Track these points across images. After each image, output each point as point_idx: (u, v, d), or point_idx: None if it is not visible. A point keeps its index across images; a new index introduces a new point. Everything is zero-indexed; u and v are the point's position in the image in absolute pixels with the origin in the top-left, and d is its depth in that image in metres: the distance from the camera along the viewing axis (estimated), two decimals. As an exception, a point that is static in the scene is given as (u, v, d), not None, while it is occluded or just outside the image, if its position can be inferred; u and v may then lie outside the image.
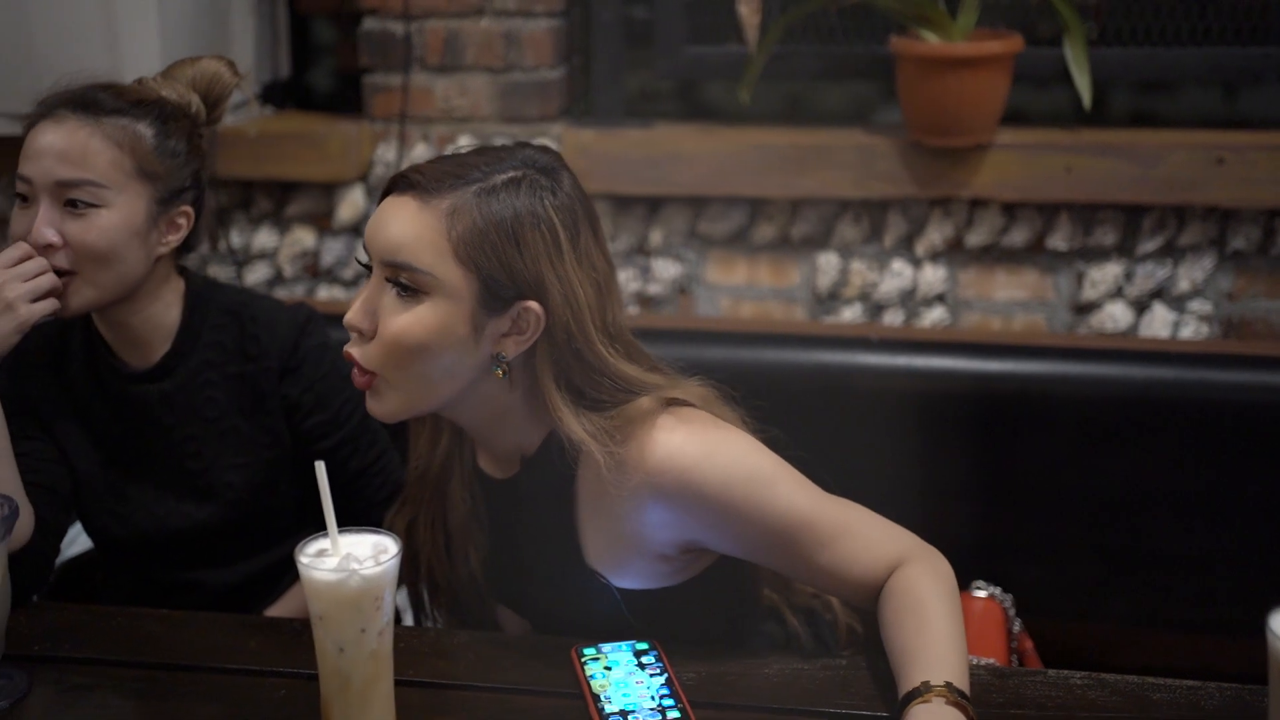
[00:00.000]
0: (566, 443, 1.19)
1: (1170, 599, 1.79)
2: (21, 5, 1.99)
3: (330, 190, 2.25)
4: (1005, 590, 1.64)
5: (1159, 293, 2.07)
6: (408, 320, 1.16)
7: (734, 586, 1.33)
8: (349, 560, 1.02)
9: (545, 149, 1.23)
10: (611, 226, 2.19)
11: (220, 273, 2.31)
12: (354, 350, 1.19)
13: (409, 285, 1.16)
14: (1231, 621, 1.65)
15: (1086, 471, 1.79)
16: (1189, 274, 2.05)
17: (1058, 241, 2.07)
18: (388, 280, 1.17)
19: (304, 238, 2.28)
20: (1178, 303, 2.08)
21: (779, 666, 1.21)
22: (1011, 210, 2.08)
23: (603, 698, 1.14)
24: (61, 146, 1.40)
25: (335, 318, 1.91)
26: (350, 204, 2.25)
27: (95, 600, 1.66)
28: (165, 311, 1.51)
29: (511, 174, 1.18)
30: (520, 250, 1.16)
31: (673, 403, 1.22)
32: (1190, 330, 2.07)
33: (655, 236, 2.18)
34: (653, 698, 1.14)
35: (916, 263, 2.12)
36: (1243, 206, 2.00)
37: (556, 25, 2.15)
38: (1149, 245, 2.05)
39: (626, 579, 1.25)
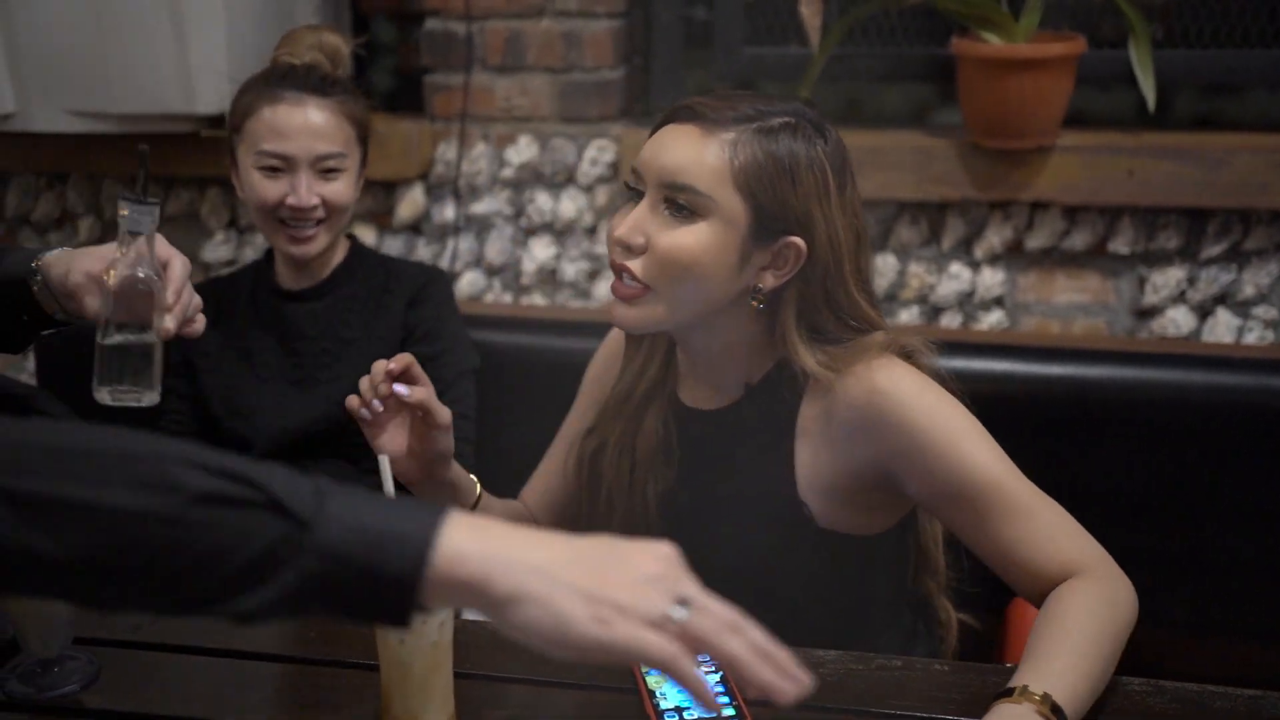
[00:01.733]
0: (797, 373, 1.26)
1: (1231, 606, 1.77)
2: (93, 7, 2.03)
3: (391, 189, 2.28)
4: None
5: (1223, 298, 2.05)
6: (685, 237, 1.22)
7: (907, 558, 1.37)
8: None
9: (811, 103, 1.30)
10: (669, 226, 2.20)
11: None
12: (627, 261, 1.24)
13: (686, 206, 1.22)
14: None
15: (1146, 476, 1.77)
16: (1254, 279, 2.03)
17: (1120, 245, 2.05)
18: (665, 201, 1.23)
19: (364, 235, 2.30)
20: (1242, 308, 2.05)
21: (834, 666, 1.22)
22: (1073, 213, 2.06)
23: (658, 694, 1.15)
24: (316, 125, 1.70)
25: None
26: (410, 202, 2.27)
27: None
28: (335, 251, 1.84)
29: (787, 119, 1.24)
30: (795, 186, 1.22)
31: (901, 350, 1.28)
32: (1255, 336, 2.04)
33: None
34: (708, 695, 1.14)
35: (975, 265, 2.11)
36: (1310, 210, 1.97)
37: (617, 26, 2.16)
38: (1213, 250, 2.03)
39: (825, 517, 1.30)
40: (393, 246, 2.30)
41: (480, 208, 2.25)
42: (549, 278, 2.26)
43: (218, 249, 2.36)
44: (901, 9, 2.08)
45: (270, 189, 1.72)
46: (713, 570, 1.29)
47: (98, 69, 2.05)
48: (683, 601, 0.78)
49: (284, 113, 1.71)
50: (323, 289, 1.83)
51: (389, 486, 1.07)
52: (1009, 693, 1.07)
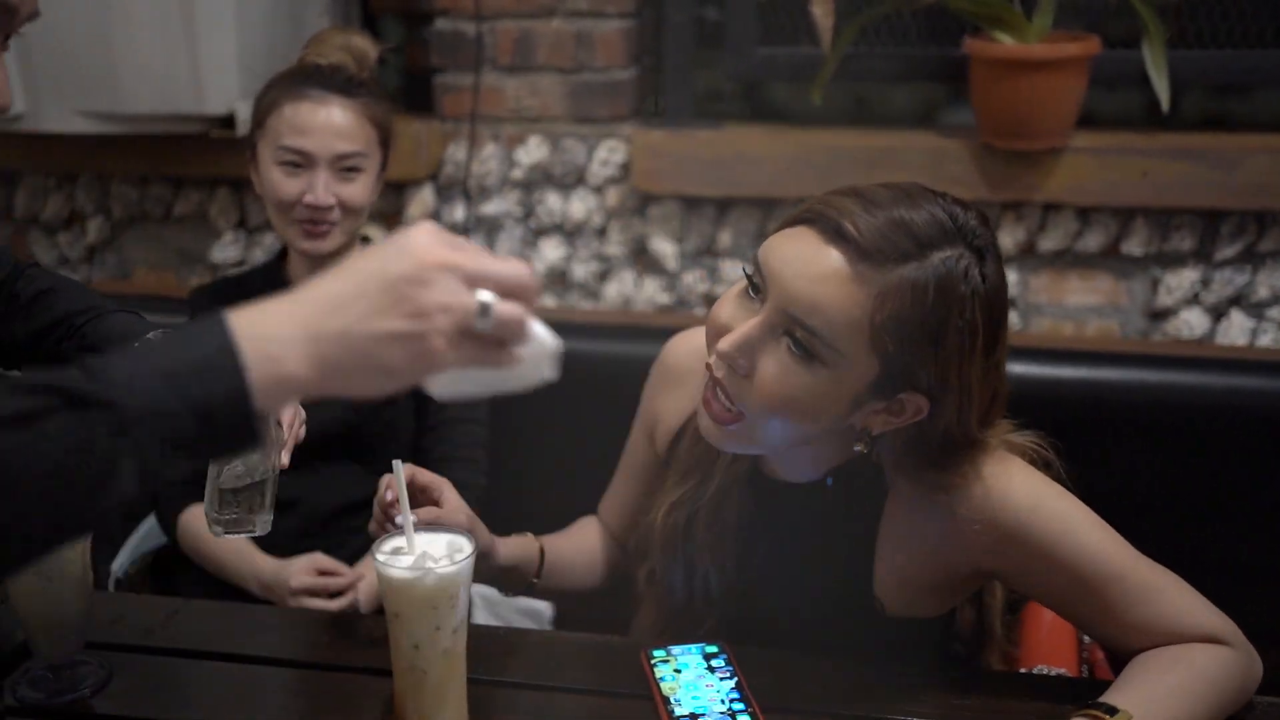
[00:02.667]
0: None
1: (1246, 609, 1.76)
2: (103, 8, 2.03)
3: (400, 189, 2.27)
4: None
5: (1237, 299, 2.04)
6: (796, 380, 1.08)
7: (968, 633, 1.32)
8: (425, 559, 1.03)
9: (980, 215, 1.12)
10: (680, 227, 2.19)
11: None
12: (727, 382, 1.12)
13: (808, 349, 1.08)
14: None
15: (1160, 480, 1.76)
16: (1268, 280, 2.01)
17: (1133, 246, 2.04)
18: (786, 332, 1.09)
19: (374, 235, 2.29)
20: (1256, 310, 2.03)
21: (850, 673, 1.21)
22: (1086, 214, 2.05)
23: (673, 700, 1.14)
24: (338, 124, 1.70)
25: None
26: (420, 202, 2.27)
27: (178, 586, 1.71)
28: (348, 251, 1.79)
29: (949, 252, 1.07)
30: (936, 350, 1.07)
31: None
32: (1269, 338, 2.03)
33: (724, 237, 2.18)
34: (723, 701, 1.14)
35: (987, 266, 2.09)
36: (1325, 212, 1.96)
37: (628, 26, 2.15)
38: (1227, 251, 2.02)
39: (896, 608, 1.22)
40: (402, 247, 2.29)
41: (490, 208, 2.25)
42: (559, 278, 2.25)
43: (226, 249, 2.36)
44: (914, 9, 2.06)
45: (288, 185, 1.72)
46: (774, 635, 1.27)
47: (108, 70, 2.05)
48: (482, 309, 0.76)
49: (307, 110, 1.70)
50: None
51: (404, 493, 1.07)
52: (1094, 706, 1.05)
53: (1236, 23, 2.06)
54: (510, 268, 0.78)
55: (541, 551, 1.39)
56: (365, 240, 1.88)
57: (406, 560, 1.03)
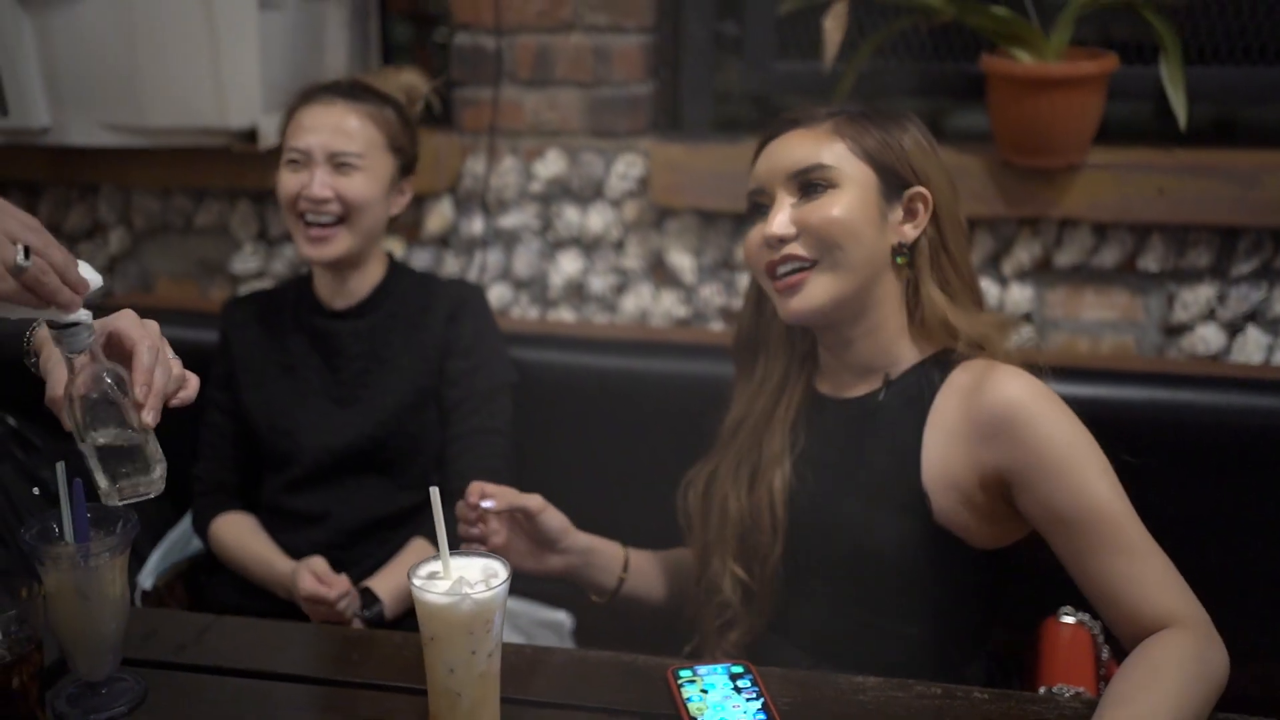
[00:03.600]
0: (936, 369, 1.37)
1: (1264, 627, 1.77)
2: (128, 24, 2.04)
3: (419, 201, 2.28)
4: (1094, 618, 1.63)
5: (1253, 315, 2.05)
6: (829, 206, 1.35)
7: (1006, 588, 1.42)
8: (461, 584, 1.04)
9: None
10: (697, 240, 2.20)
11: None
12: (786, 250, 1.36)
13: (819, 182, 1.35)
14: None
15: (1175, 497, 1.77)
16: (1284, 297, 2.03)
17: (1149, 262, 2.05)
18: (798, 189, 1.37)
19: (393, 247, 2.31)
20: (1272, 326, 2.05)
21: (874, 694, 1.22)
22: (1102, 230, 2.06)
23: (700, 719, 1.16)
24: (337, 123, 1.75)
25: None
26: (439, 215, 2.28)
27: (207, 597, 1.73)
28: (373, 267, 1.86)
29: (867, 107, 1.41)
30: (903, 144, 1.38)
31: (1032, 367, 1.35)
32: (1284, 354, 2.04)
33: (740, 251, 2.19)
34: (750, 722, 1.15)
35: (1003, 281, 2.11)
36: (1341, 229, 1.97)
37: (646, 40, 2.17)
38: (1244, 267, 2.03)
39: (942, 513, 1.34)
40: (421, 259, 2.31)
41: (508, 221, 2.26)
42: (576, 291, 2.27)
43: (247, 261, 2.38)
44: (930, 26, 2.08)
45: (290, 182, 1.77)
46: (833, 560, 1.38)
47: (132, 85, 2.06)
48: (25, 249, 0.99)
49: (312, 112, 1.77)
50: (364, 307, 1.84)
51: (439, 518, 1.08)
52: None
53: (1254, 39, 2.07)
54: None
55: (627, 555, 1.54)
56: (390, 257, 1.90)
57: (443, 585, 1.05)
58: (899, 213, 1.38)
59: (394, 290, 1.86)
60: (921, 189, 1.38)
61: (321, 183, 1.74)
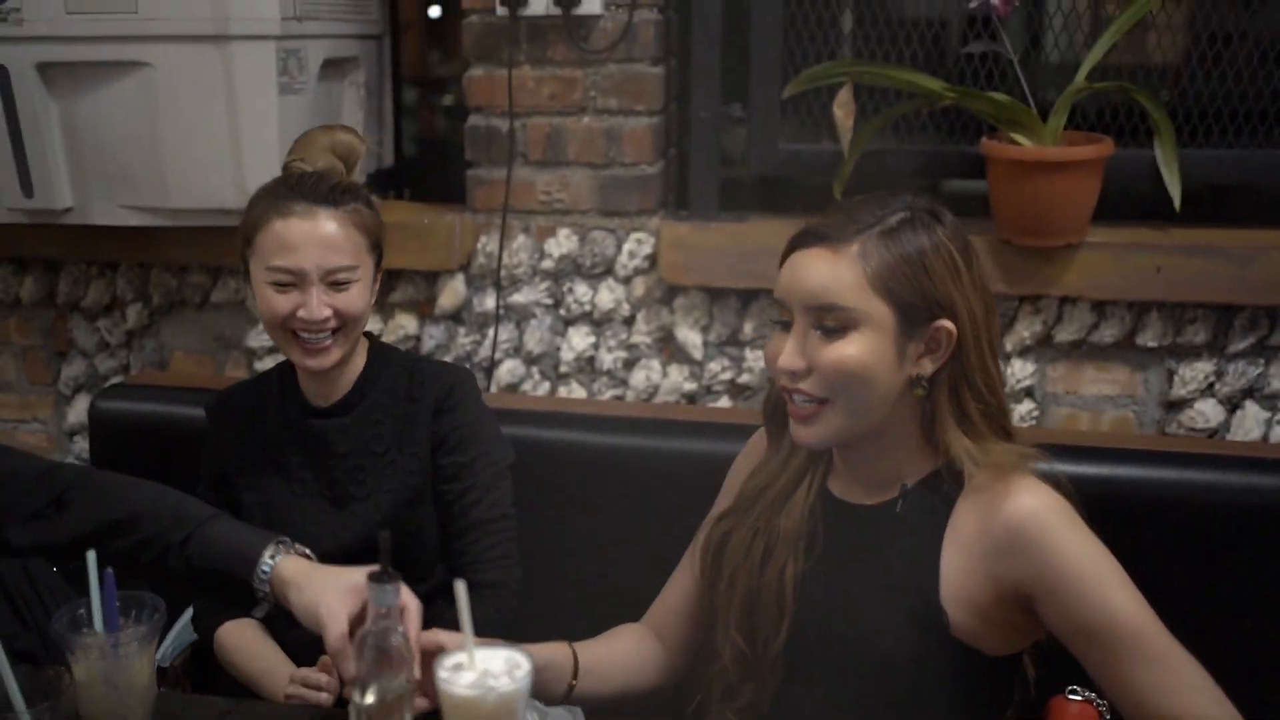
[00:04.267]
0: (951, 480, 1.35)
1: (1263, 705, 1.78)
2: (152, 109, 2.10)
3: (433, 278, 2.33)
4: (1102, 697, 1.64)
5: (1250, 391, 2.09)
6: (845, 349, 1.30)
7: (1015, 688, 1.41)
8: (485, 676, 1.07)
9: (919, 193, 1.37)
10: (705, 316, 2.25)
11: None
12: (798, 384, 1.33)
13: (836, 324, 1.30)
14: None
15: (1179, 576, 1.79)
16: (1281, 373, 2.07)
17: (1148, 339, 2.09)
18: (816, 324, 1.31)
19: (406, 323, 2.36)
20: (1270, 401, 2.08)
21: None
22: (1101, 307, 2.11)
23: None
24: (326, 237, 1.66)
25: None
26: (451, 292, 2.33)
27: (220, 677, 1.74)
28: (356, 358, 1.79)
29: (902, 214, 1.32)
30: (928, 275, 1.30)
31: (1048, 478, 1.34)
32: (1283, 429, 2.08)
33: (748, 327, 2.24)
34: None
35: (1005, 357, 2.15)
36: (1335, 307, 2.01)
37: (655, 123, 2.22)
38: (1240, 344, 2.07)
39: (959, 627, 1.33)
40: (434, 334, 2.35)
41: (520, 297, 2.31)
42: (587, 366, 2.31)
43: (262, 335, 2.42)
44: (932, 110, 2.13)
45: (282, 303, 1.67)
46: (840, 657, 1.38)
47: (155, 167, 2.12)
48: None
49: (294, 226, 1.65)
50: (349, 402, 1.77)
51: (465, 611, 1.11)
52: None
53: (1244, 123, 2.12)
54: None
55: (575, 656, 1.48)
56: (369, 337, 1.83)
57: (468, 678, 1.08)
58: (920, 345, 1.33)
59: (378, 380, 1.79)
60: (945, 323, 1.31)
61: (320, 303, 1.65)
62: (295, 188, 1.69)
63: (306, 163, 1.73)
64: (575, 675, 1.48)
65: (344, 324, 1.69)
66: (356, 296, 1.69)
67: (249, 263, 1.71)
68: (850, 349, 1.30)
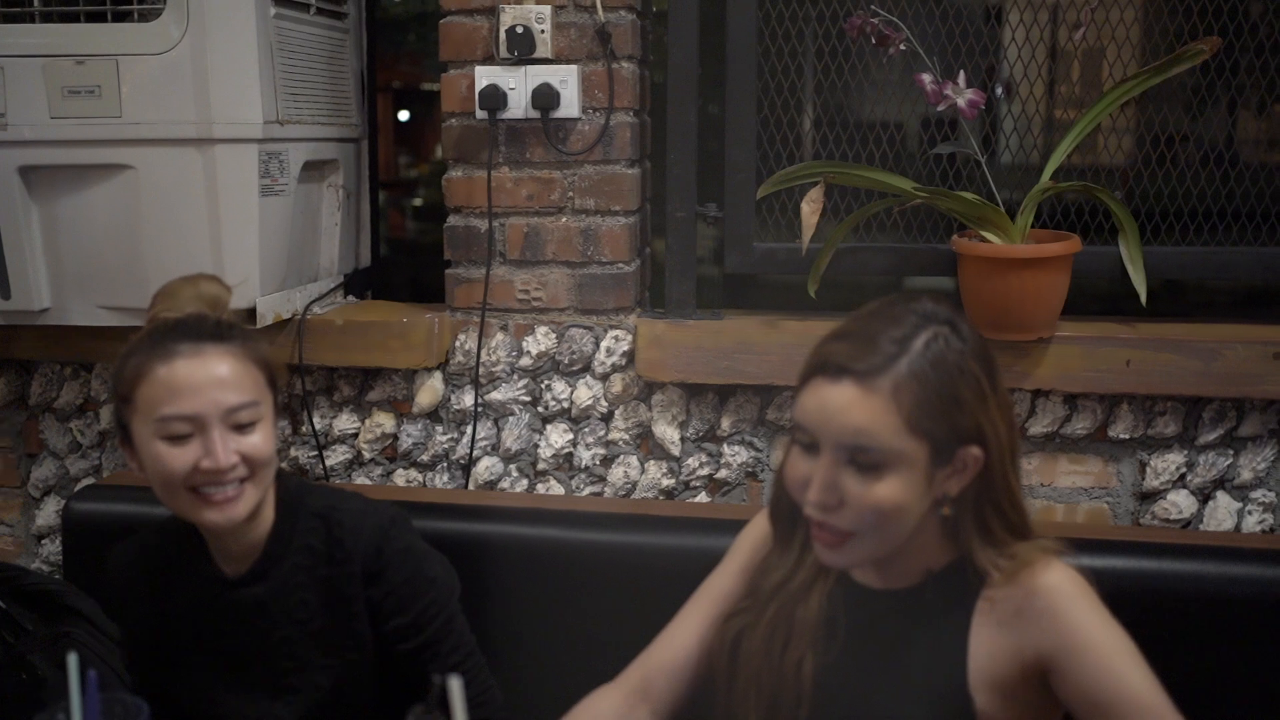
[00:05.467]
0: (974, 564, 1.36)
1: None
2: (133, 212, 2.12)
3: (411, 376, 2.34)
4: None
5: (1221, 482, 2.12)
6: (880, 491, 1.29)
7: None
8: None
9: (933, 297, 1.37)
10: (683, 413, 2.26)
11: (302, 455, 2.39)
12: (828, 518, 1.32)
13: (870, 463, 1.29)
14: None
15: (1158, 668, 1.79)
16: (1250, 464, 2.10)
17: (1120, 431, 2.13)
18: (849, 460, 1.30)
19: (384, 422, 2.36)
20: (1240, 492, 2.11)
21: None
22: (1073, 400, 2.14)
23: None
24: (222, 375, 1.50)
25: (417, 506, 1.99)
26: (429, 390, 2.34)
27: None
28: (264, 510, 1.60)
29: (925, 336, 1.31)
30: (960, 408, 1.30)
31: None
32: (1255, 519, 2.10)
33: (725, 423, 2.25)
34: None
35: (981, 450, 2.17)
36: (1301, 399, 2.06)
37: (631, 222, 2.26)
38: (1209, 435, 2.10)
39: (985, 714, 1.34)
40: (411, 433, 2.35)
41: (498, 395, 2.32)
42: (565, 463, 2.31)
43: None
44: (902, 209, 2.18)
45: (178, 457, 1.48)
46: None
47: (134, 269, 2.12)
48: None
49: (182, 368, 1.48)
50: (263, 566, 1.60)
51: (459, 711, 1.10)
52: None
53: (1204, 220, 2.19)
54: None
55: None
56: (276, 480, 1.63)
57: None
58: (947, 470, 1.33)
59: (291, 537, 1.61)
60: (974, 450, 1.32)
61: (225, 449, 1.48)
62: (174, 330, 1.52)
63: (175, 312, 1.58)
64: None
65: (253, 470, 1.52)
66: (262, 438, 1.52)
67: (128, 425, 1.52)
68: (885, 491, 1.29)
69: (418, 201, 4.19)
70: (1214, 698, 1.77)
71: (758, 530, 1.56)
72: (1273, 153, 2.23)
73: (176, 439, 1.48)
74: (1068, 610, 1.32)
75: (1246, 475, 2.10)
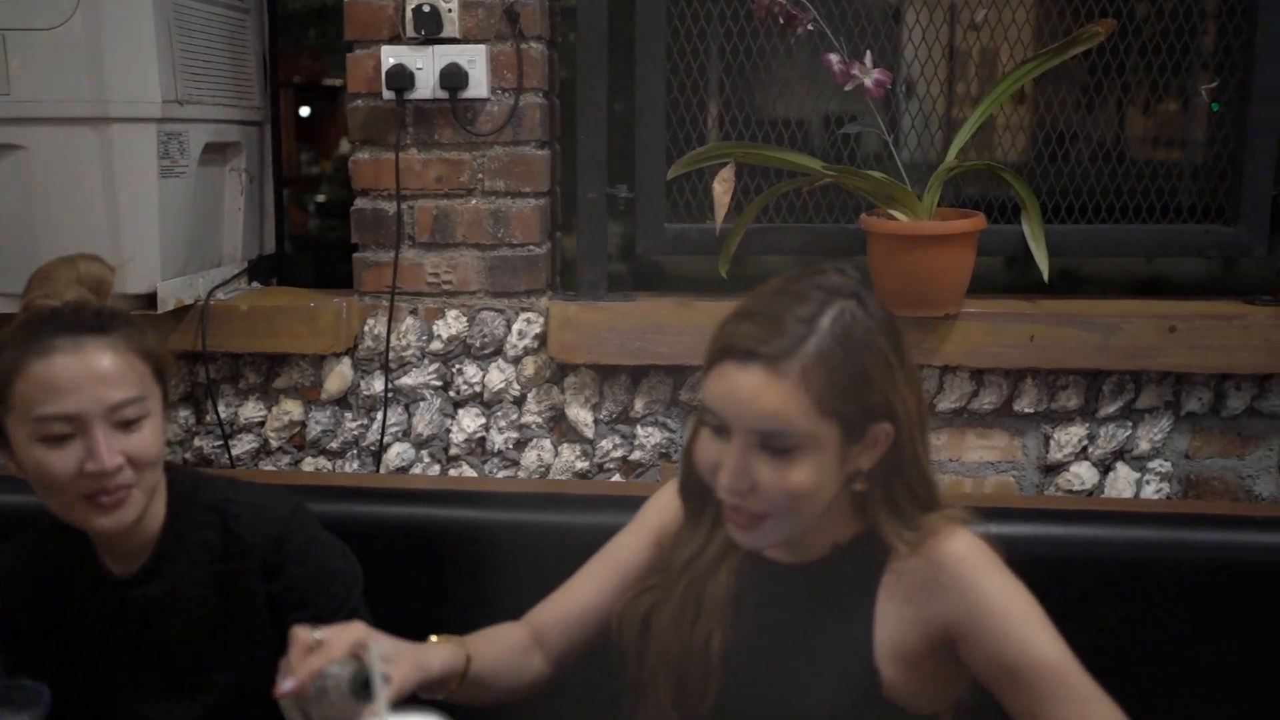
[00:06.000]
0: (883, 539, 1.36)
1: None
2: (27, 193, 2.05)
3: (318, 362, 2.30)
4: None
5: (1121, 453, 2.18)
6: (793, 475, 1.28)
7: None
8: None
9: (839, 270, 1.36)
10: (596, 395, 2.26)
11: (206, 445, 2.33)
12: (742, 502, 1.31)
13: (782, 446, 1.28)
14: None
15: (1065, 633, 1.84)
16: (1148, 435, 2.16)
17: (1024, 405, 2.17)
18: (760, 444, 1.28)
19: (292, 409, 2.32)
20: (1138, 462, 2.17)
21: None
22: (980, 375, 2.18)
23: None
24: (103, 370, 1.40)
25: (324, 490, 1.96)
26: (338, 375, 2.30)
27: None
28: (154, 507, 1.53)
29: (831, 313, 1.29)
30: (868, 385, 1.29)
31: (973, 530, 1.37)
32: (1153, 489, 2.16)
33: (638, 404, 2.25)
34: None
35: (891, 427, 2.20)
36: (1194, 371, 2.12)
37: (541, 204, 2.25)
38: (1110, 408, 2.16)
39: (890, 686, 1.35)
40: (320, 420, 2.31)
41: (408, 380, 2.29)
42: (478, 447, 2.29)
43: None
44: (810, 189, 2.21)
45: (61, 460, 1.40)
46: (766, 712, 1.37)
47: (27, 254, 2.04)
48: None
49: (59, 364, 1.39)
50: (156, 564, 1.54)
51: (376, 675, 1.08)
52: None
53: (1101, 199, 2.24)
54: None
55: (467, 664, 1.44)
56: (166, 473, 1.57)
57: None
58: (859, 447, 1.32)
59: (185, 532, 1.55)
60: (885, 425, 1.32)
61: (109, 450, 1.39)
62: (50, 322, 1.43)
63: (53, 298, 1.49)
64: (463, 681, 1.43)
65: (140, 470, 1.44)
66: (150, 436, 1.44)
67: (4, 426, 1.43)
68: (799, 474, 1.28)
69: (320, 197, 4.13)
70: (1119, 658, 1.81)
71: (666, 499, 1.56)
72: (1158, 149, 2.30)
73: (56, 440, 1.40)
74: (973, 577, 1.33)
75: (1144, 446, 2.16)
